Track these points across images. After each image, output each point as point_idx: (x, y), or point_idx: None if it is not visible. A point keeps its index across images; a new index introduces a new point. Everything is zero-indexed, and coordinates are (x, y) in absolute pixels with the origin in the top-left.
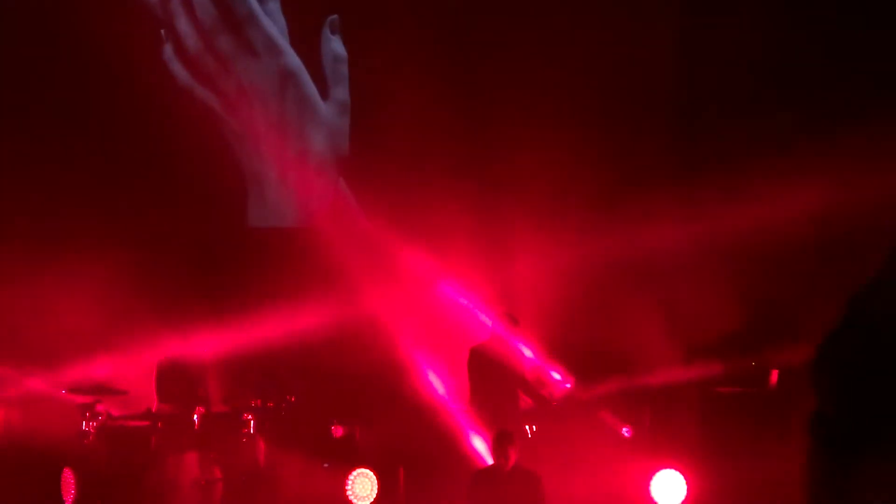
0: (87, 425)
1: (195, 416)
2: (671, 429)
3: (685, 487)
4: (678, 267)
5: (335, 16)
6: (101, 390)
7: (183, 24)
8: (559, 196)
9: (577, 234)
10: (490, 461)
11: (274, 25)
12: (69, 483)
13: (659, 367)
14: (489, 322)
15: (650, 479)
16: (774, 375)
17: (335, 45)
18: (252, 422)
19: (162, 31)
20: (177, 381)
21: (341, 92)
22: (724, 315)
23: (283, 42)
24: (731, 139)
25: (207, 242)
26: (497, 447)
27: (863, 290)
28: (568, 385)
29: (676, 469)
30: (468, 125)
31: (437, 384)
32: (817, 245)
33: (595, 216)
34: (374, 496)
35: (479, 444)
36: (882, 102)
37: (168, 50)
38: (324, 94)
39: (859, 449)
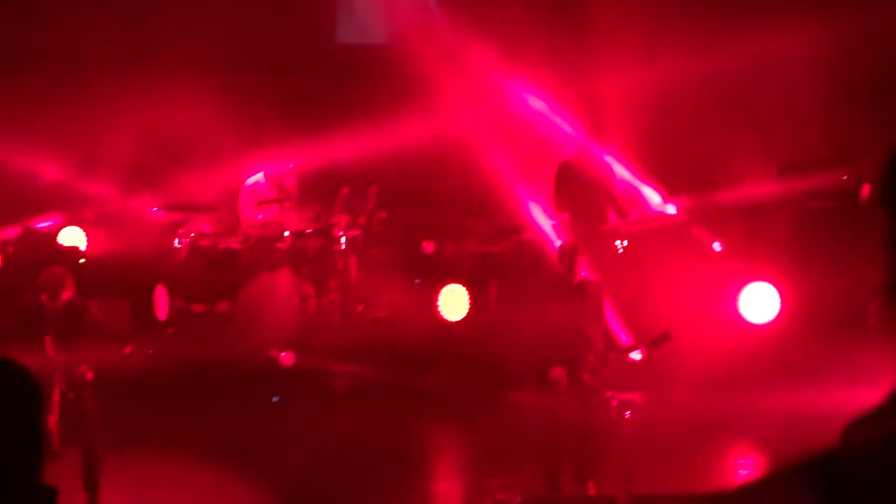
0: (179, 243)
1: (286, 233)
2: (763, 244)
3: (778, 300)
4: (770, 82)
5: None
6: (192, 207)
7: None
8: (651, 12)
9: (669, 50)
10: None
11: None
12: (163, 300)
13: (751, 183)
14: (577, 137)
15: (741, 292)
16: (866, 189)
17: None
18: (343, 238)
19: None
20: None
21: None
22: (817, 129)
23: None
24: None
25: (296, 59)
26: (563, 259)
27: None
28: (659, 201)
29: (769, 282)
30: None
31: (527, 200)
32: None
33: (687, 31)
34: (466, 311)
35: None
36: None
37: None
38: None
39: None
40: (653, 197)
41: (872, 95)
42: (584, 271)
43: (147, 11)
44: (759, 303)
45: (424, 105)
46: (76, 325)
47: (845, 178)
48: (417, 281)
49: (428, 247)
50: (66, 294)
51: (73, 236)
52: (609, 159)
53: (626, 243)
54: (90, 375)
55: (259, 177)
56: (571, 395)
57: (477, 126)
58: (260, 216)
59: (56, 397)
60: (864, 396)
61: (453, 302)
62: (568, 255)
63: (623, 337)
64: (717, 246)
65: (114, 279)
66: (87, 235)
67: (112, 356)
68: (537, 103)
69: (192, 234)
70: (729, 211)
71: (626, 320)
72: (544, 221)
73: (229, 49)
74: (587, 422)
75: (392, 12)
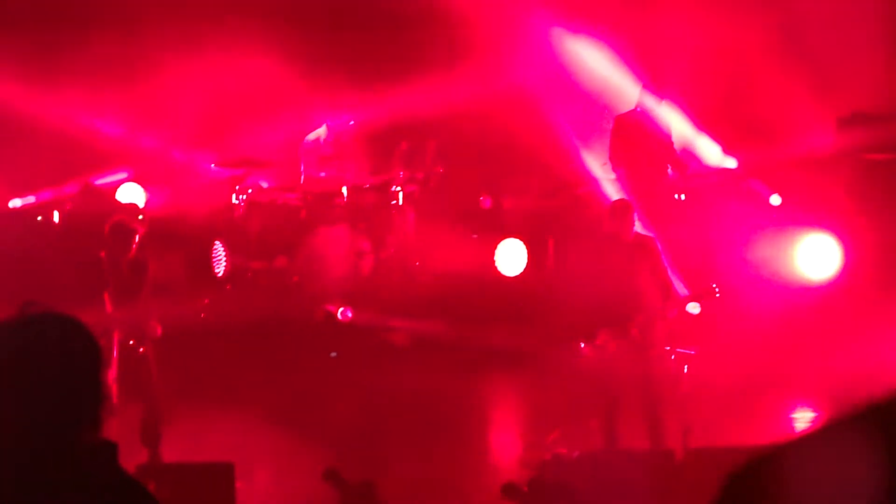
0: (236, 198)
1: (344, 189)
2: (822, 197)
3: (839, 254)
4: (831, 32)
5: None
6: (250, 163)
7: None
8: None
9: (729, 1)
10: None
11: None
12: (220, 255)
13: (810, 136)
14: (635, 91)
15: (797, 244)
16: None
17: None
18: (401, 193)
19: None
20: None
21: None
22: (878, 81)
23: None
24: None
25: (356, 13)
26: (613, 218)
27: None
28: (718, 154)
29: (830, 232)
30: None
31: (584, 154)
32: None
33: None
34: (523, 266)
35: None
36: None
37: None
38: None
39: None
40: (711, 150)
41: None
42: (639, 228)
43: None
44: (820, 256)
45: (483, 60)
46: (136, 281)
47: None
48: (475, 236)
49: (485, 202)
50: (131, 249)
51: (131, 192)
52: (668, 112)
53: (683, 197)
54: (160, 331)
55: (321, 131)
56: (628, 351)
57: (535, 80)
58: (322, 173)
59: (115, 353)
60: None
61: (511, 257)
62: (619, 213)
63: (681, 291)
64: (775, 199)
65: (172, 235)
66: (145, 192)
67: (171, 311)
68: (596, 56)
69: (251, 190)
70: (788, 164)
71: (684, 275)
72: (603, 176)
73: (290, 4)
74: (645, 376)
75: None
